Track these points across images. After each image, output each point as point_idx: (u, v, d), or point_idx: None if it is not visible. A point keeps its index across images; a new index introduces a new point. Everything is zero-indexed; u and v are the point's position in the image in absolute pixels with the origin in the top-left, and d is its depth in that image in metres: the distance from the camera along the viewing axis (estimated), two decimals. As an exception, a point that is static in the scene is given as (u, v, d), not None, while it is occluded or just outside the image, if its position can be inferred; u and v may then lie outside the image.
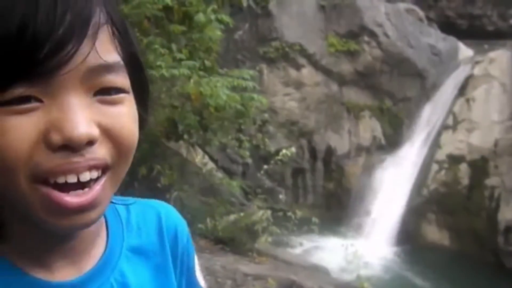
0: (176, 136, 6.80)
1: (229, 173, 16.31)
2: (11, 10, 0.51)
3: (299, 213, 16.39)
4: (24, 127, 0.53)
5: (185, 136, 6.76)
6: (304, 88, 16.68)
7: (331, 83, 16.59)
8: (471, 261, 12.31)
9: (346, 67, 16.32)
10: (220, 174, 14.85)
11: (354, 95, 16.37)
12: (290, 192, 16.74)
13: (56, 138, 0.56)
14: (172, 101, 5.32)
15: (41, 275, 0.65)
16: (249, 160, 16.95)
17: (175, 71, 4.77)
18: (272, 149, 17.50)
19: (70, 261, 0.69)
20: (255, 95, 5.74)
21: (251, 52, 17.77)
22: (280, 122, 16.79)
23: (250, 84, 5.63)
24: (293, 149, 7.66)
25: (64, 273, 0.68)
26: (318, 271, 5.98)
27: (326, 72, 16.55)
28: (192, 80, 4.95)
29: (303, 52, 16.78)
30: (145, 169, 6.27)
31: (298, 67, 16.78)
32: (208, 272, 3.26)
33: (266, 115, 13.07)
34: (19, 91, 0.54)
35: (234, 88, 5.45)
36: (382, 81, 15.77)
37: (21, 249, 0.63)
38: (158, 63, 4.77)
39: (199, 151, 8.72)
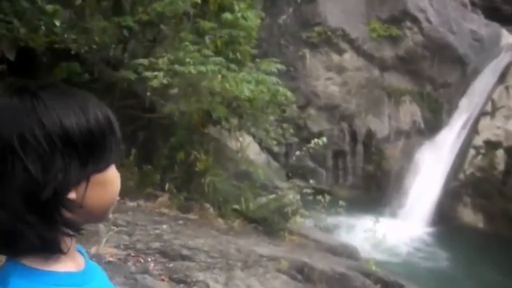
0: (213, 123, 7.03)
1: (273, 154, 16.54)
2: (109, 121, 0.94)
3: (340, 193, 16.49)
4: (118, 176, 0.98)
5: (223, 123, 6.97)
6: (346, 72, 16.52)
7: (372, 68, 16.34)
8: (504, 243, 12.02)
9: (387, 52, 16.01)
10: (261, 156, 15.11)
11: (395, 80, 16.08)
12: (331, 173, 16.78)
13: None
14: (201, 95, 5.53)
15: (60, 269, 0.93)
16: (292, 142, 17.12)
17: (203, 68, 4.96)
18: (315, 131, 17.58)
19: (72, 261, 0.97)
20: (280, 88, 5.85)
21: (294, 37, 17.70)
22: (322, 106, 16.76)
23: (274, 79, 5.75)
24: (324, 139, 7.68)
25: (72, 267, 0.96)
26: (338, 252, 6.08)
27: (368, 57, 16.31)
28: (219, 76, 5.13)
29: (345, 37, 16.56)
30: (183, 155, 6.54)
31: (340, 51, 16.61)
32: (221, 255, 3.50)
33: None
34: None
35: (261, 81, 5.59)
36: (423, 66, 15.36)
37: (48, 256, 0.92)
38: (187, 60, 4.97)
39: (243, 132, 8.91)
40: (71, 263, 0.94)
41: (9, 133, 0.84)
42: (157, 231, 3.65)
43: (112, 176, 0.96)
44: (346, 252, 6.63)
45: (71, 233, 0.90)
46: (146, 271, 2.89)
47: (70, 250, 0.92)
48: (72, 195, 0.89)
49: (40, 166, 0.85)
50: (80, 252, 1.00)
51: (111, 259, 2.92)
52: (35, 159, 0.84)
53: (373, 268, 4.52)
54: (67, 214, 0.89)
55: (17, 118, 0.85)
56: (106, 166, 0.95)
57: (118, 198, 1.01)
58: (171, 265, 3.05)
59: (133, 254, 3.06)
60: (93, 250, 2.96)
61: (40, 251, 0.89)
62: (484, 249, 12.15)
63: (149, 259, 3.08)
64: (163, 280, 2.86)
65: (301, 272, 3.79)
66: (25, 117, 0.86)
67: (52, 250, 0.89)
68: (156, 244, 3.29)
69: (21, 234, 0.86)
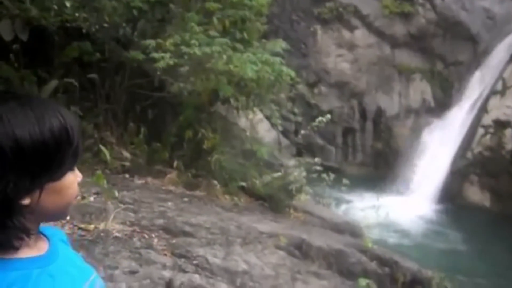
0: (221, 102, 7.13)
1: (283, 131, 16.62)
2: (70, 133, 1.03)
3: (349, 171, 16.54)
4: (75, 181, 1.08)
5: (231, 101, 7.07)
6: (357, 49, 16.41)
7: (383, 45, 16.21)
8: (510, 222, 12.09)
9: (399, 29, 15.84)
10: (271, 133, 15.19)
11: (406, 57, 15.95)
12: (340, 150, 16.86)
13: (78, 180, 1.11)
14: (208, 75, 5.63)
15: (22, 255, 1.05)
16: (302, 119, 17.16)
17: (207, 49, 5.06)
18: (325, 108, 17.58)
19: (34, 247, 1.09)
20: (284, 68, 5.92)
21: (306, 13, 17.55)
22: (332, 83, 16.73)
23: (278, 59, 5.83)
24: (329, 116, 7.72)
25: (34, 253, 1.08)
26: (341, 229, 6.23)
27: (379, 34, 16.16)
28: (224, 56, 5.23)
29: (357, 13, 16.38)
30: (191, 133, 6.67)
31: (351, 28, 16.47)
32: (221, 231, 3.67)
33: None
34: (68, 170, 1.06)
35: (266, 61, 5.68)
36: (434, 44, 15.20)
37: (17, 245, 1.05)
38: (193, 41, 5.07)
39: (255, 109, 8.96)
40: (32, 250, 1.05)
41: None
42: (162, 209, 3.83)
43: (67, 183, 1.05)
44: (350, 229, 6.76)
45: (22, 235, 1.00)
46: (150, 246, 3.08)
47: (31, 239, 1.03)
48: (25, 201, 0.98)
49: None
50: (45, 235, 1.12)
51: (117, 234, 3.11)
52: None
53: (370, 245, 4.67)
54: (19, 218, 0.99)
55: None
56: (61, 175, 1.04)
57: (77, 198, 1.13)
58: (173, 241, 3.23)
59: (138, 230, 3.25)
60: (101, 226, 3.15)
61: None
62: (490, 227, 12.24)
63: (153, 235, 3.26)
64: (165, 255, 3.04)
65: (299, 248, 3.95)
66: None
67: (5, 248, 0.99)
68: (160, 221, 3.47)
69: None
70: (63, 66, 6.58)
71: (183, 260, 2.97)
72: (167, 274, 2.75)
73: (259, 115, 12.37)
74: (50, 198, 1.02)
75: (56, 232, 1.19)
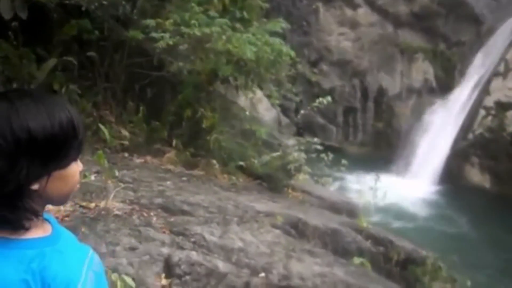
0: (220, 81, 7.20)
1: (283, 110, 16.67)
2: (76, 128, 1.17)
3: (349, 150, 16.62)
4: (78, 170, 1.21)
5: (230, 81, 7.13)
6: (359, 28, 16.36)
7: (386, 24, 16.15)
8: (508, 203, 12.27)
9: (402, 8, 15.76)
10: (272, 112, 15.25)
11: (408, 36, 15.90)
12: (341, 130, 16.95)
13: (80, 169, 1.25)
14: (207, 54, 5.70)
15: (28, 236, 1.20)
16: (303, 98, 17.19)
17: (207, 30, 5.13)
18: (326, 87, 17.60)
19: (40, 228, 1.22)
20: (284, 48, 5.99)
21: (308, -10, 17.48)
22: (334, 61, 16.72)
23: (277, 40, 5.89)
24: (329, 98, 7.78)
25: (39, 234, 1.21)
26: (339, 209, 6.37)
27: (382, 12, 16.08)
28: (224, 37, 5.30)
29: (360, -9, 16.33)
30: (190, 111, 6.75)
31: (354, 6, 16.39)
32: (218, 210, 3.80)
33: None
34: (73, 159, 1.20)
35: (265, 42, 5.74)
36: (437, 24, 15.14)
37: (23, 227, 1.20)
38: (193, 21, 5.14)
39: (256, 88, 9.04)
40: (39, 230, 1.20)
41: None
42: (161, 188, 3.95)
43: (72, 172, 1.21)
44: (347, 209, 6.88)
45: (31, 216, 1.14)
46: (149, 224, 3.21)
47: (37, 221, 1.18)
48: (34, 186, 1.13)
49: (7, 164, 1.08)
50: (48, 220, 1.26)
51: (118, 212, 3.23)
52: (3, 158, 1.08)
53: (365, 225, 4.81)
54: (29, 201, 1.14)
55: None
56: (67, 164, 1.18)
57: (78, 185, 1.26)
58: (172, 219, 3.36)
59: (137, 209, 3.37)
60: (102, 204, 3.27)
61: (9, 227, 1.14)
62: (488, 208, 12.42)
63: (152, 214, 3.39)
64: (164, 232, 3.17)
65: (295, 227, 4.09)
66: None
67: (15, 228, 1.14)
68: (159, 200, 3.59)
69: None
70: (62, 44, 6.63)
71: (181, 237, 3.10)
72: (165, 250, 2.89)
73: (259, 94, 12.40)
74: (56, 184, 1.17)
75: (51, 216, 1.33)
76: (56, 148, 1.15)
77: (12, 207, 1.12)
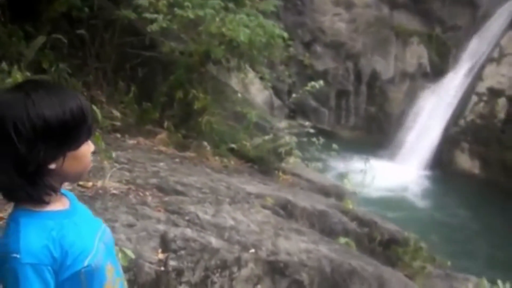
0: (213, 62, 7.38)
1: (276, 91, 16.87)
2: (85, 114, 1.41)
3: (341, 134, 16.84)
4: (90, 151, 1.45)
5: (223, 62, 7.32)
6: (355, 9, 16.52)
7: (382, 5, 16.33)
8: (497, 189, 12.70)
9: (398, -11, 15.98)
10: (264, 93, 15.45)
11: (404, 19, 16.12)
12: (333, 113, 17.22)
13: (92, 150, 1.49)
14: (199, 36, 5.90)
15: (50, 209, 1.47)
16: (296, 80, 17.38)
17: (201, 12, 5.34)
18: (319, 69, 17.80)
19: (59, 203, 1.48)
20: (277, 29, 6.21)
21: (302, -32, 17.54)
22: (327, 43, 16.89)
23: (270, 22, 6.11)
24: (321, 82, 8.01)
25: (59, 207, 1.47)
26: (328, 192, 6.68)
27: (378, -7, 16.28)
28: (217, 19, 5.51)
29: (356, -29, 16.45)
30: (181, 93, 6.94)
31: (350, -13, 16.56)
32: (211, 190, 4.08)
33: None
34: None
35: (259, 24, 5.95)
36: (434, 7, 15.38)
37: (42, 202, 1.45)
38: (186, 3, 5.34)
39: (248, 69, 9.23)
40: (59, 204, 1.47)
41: (7, 122, 1.33)
42: (155, 169, 4.21)
43: (84, 152, 1.46)
44: (336, 192, 7.19)
45: (50, 192, 1.41)
46: (144, 203, 3.48)
47: (56, 196, 1.45)
48: (52, 166, 1.38)
49: (26, 147, 1.34)
50: (66, 195, 1.53)
51: (115, 191, 3.50)
52: (23, 142, 1.33)
53: (351, 206, 5.13)
54: (48, 179, 1.39)
55: (13, 111, 1.34)
56: (78, 146, 1.44)
57: (90, 164, 1.52)
58: (166, 199, 3.64)
59: (133, 188, 3.64)
60: (99, 183, 3.53)
61: (24, 200, 1.40)
62: (476, 194, 12.87)
63: (147, 193, 3.66)
64: (159, 211, 3.45)
65: (284, 208, 4.39)
66: (18, 111, 1.34)
67: (37, 202, 1.40)
68: (154, 180, 3.86)
69: (15, 191, 1.38)
70: (51, 22, 6.73)
71: (175, 216, 3.38)
72: (161, 227, 3.17)
73: (251, 76, 12.57)
74: (71, 163, 1.43)
75: (70, 193, 1.60)
76: (68, 132, 1.40)
77: (34, 184, 1.38)
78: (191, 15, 5.20)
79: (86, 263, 1.44)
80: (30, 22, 6.51)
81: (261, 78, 13.83)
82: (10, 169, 1.35)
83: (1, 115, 1.34)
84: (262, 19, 5.90)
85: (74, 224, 1.48)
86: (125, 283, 1.71)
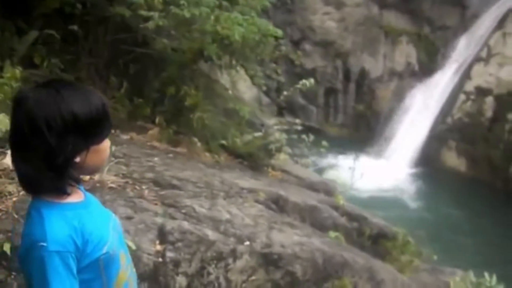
0: (204, 59, 7.47)
1: (264, 89, 16.98)
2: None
3: (329, 131, 17.01)
4: (108, 146, 1.58)
5: (214, 60, 7.42)
6: (345, 8, 16.71)
7: (372, 5, 16.53)
8: (483, 187, 12.97)
9: (388, -12, 16.18)
10: (252, 91, 15.57)
11: (393, 19, 16.34)
12: (321, 111, 17.41)
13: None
14: (193, 34, 6.00)
15: (69, 200, 1.58)
16: (284, 78, 17.51)
17: (196, 11, 5.44)
18: (308, 67, 17.96)
19: (76, 195, 1.58)
20: (271, 27, 6.33)
21: (293, -34, 17.68)
22: (317, 41, 17.07)
23: (264, 22, 6.23)
24: (312, 81, 8.14)
25: (76, 199, 1.57)
26: (317, 188, 6.81)
27: (368, -7, 16.46)
28: (212, 17, 5.62)
29: (346, -30, 16.63)
30: (173, 89, 7.03)
31: (340, -14, 16.73)
32: (206, 185, 4.19)
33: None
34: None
35: (252, 22, 6.06)
36: (423, 7, 15.61)
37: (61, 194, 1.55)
38: (182, 1, 5.43)
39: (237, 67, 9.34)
40: (76, 196, 1.58)
41: (39, 117, 1.43)
42: (150, 164, 4.31)
43: (105, 147, 1.57)
44: (325, 189, 7.33)
45: (74, 183, 1.52)
46: (141, 197, 3.58)
47: (74, 189, 1.56)
48: (77, 159, 1.49)
49: (57, 140, 1.44)
50: (79, 189, 1.63)
51: (112, 185, 3.59)
52: (54, 136, 1.44)
53: (341, 202, 5.28)
54: (72, 171, 1.50)
55: (45, 107, 1.44)
56: (101, 140, 1.54)
57: (107, 159, 1.63)
58: (162, 192, 3.74)
59: (130, 182, 3.74)
60: (97, 177, 3.62)
61: (49, 193, 1.50)
62: (462, 192, 13.12)
63: (143, 187, 3.76)
64: (156, 204, 3.56)
65: (276, 203, 4.52)
66: (50, 107, 1.44)
67: (61, 193, 1.51)
68: (150, 175, 3.96)
69: (41, 183, 1.48)
70: (43, 18, 6.77)
71: (172, 209, 3.49)
72: (159, 220, 3.28)
73: (240, 73, 12.66)
74: (93, 157, 1.54)
75: (80, 186, 1.71)
76: (94, 128, 1.51)
77: (61, 176, 1.49)
78: (187, 14, 5.29)
79: (104, 251, 1.55)
80: (22, 18, 6.55)
81: (252, 76, 13.91)
82: (39, 162, 1.45)
83: (34, 111, 1.43)
84: (256, 17, 6.01)
85: (90, 214, 1.59)
86: (134, 270, 1.82)
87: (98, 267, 1.53)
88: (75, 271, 1.46)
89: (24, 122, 1.43)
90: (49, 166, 1.46)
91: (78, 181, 1.55)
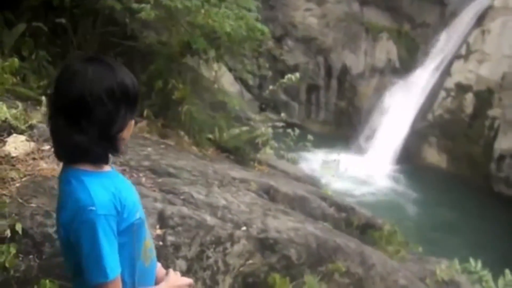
0: (191, 53, 7.59)
1: (246, 85, 17.13)
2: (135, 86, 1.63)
3: (311, 128, 17.21)
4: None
5: (201, 54, 7.53)
6: (326, 4, 16.97)
7: (352, 1, 16.81)
8: (464, 183, 13.34)
9: (369, -14, 16.47)
10: (235, 86, 15.69)
11: (374, 15, 16.65)
12: (303, 107, 17.64)
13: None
14: (182, 27, 6.12)
15: (102, 170, 1.71)
16: (267, 73, 17.68)
17: (188, 3, 5.56)
18: (290, 63, 18.16)
19: (108, 165, 1.73)
20: (258, 24, 6.48)
21: (275, -37, 17.86)
22: (299, 37, 17.30)
23: (253, 15, 6.40)
24: (297, 75, 8.32)
25: (107, 169, 1.72)
26: (302, 181, 7.01)
27: (349, -10, 16.73)
28: (202, 11, 5.75)
29: (327, -33, 16.87)
30: (161, 83, 7.14)
31: (321, -18, 16.97)
32: (201, 174, 4.33)
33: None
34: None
35: (241, 16, 6.22)
36: (403, 4, 15.95)
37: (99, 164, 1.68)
38: (172, -6, 5.56)
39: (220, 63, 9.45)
40: (107, 166, 1.72)
41: (98, 88, 1.55)
42: (145, 153, 4.43)
43: (132, 123, 1.70)
44: (310, 183, 7.54)
45: (118, 155, 1.67)
46: (140, 183, 3.71)
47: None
48: (123, 132, 1.63)
49: (115, 110, 1.58)
50: None
51: (111, 172, 3.73)
52: (113, 105, 1.58)
53: (329, 193, 5.48)
54: (118, 143, 1.63)
55: (104, 78, 1.57)
56: (133, 117, 1.68)
57: None
58: (160, 180, 3.87)
59: (127, 170, 3.86)
60: (95, 164, 3.75)
61: (93, 161, 1.63)
62: (442, 187, 13.49)
63: (141, 175, 3.88)
64: (154, 191, 3.69)
65: (267, 193, 4.69)
66: (108, 77, 1.58)
67: (106, 161, 1.66)
68: (146, 163, 4.09)
69: (93, 151, 1.60)
70: (31, 10, 6.81)
71: (171, 195, 3.63)
72: (158, 205, 3.41)
73: (223, 68, 12.77)
74: (126, 132, 1.68)
75: None
76: (135, 100, 1.66)
77: (110, 145, 1.63)
78: (180, 6, 5.40)
79: (137, 216, 1.69)
80: (10, 10, 6.57)
81: (231, 71, 13.95)
82: (95, 131, 1.57)
83: (95, 81, 1.55)
84: (245, 12, 6.16)
85: (122, 182, 1.73)
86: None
87: (132, 232, 1.67)
88: (116, 234, 1.59)
89: (86, 92, 1.54)
90: (103, 135, 1.58)
91: (120, 153, 1.67)
